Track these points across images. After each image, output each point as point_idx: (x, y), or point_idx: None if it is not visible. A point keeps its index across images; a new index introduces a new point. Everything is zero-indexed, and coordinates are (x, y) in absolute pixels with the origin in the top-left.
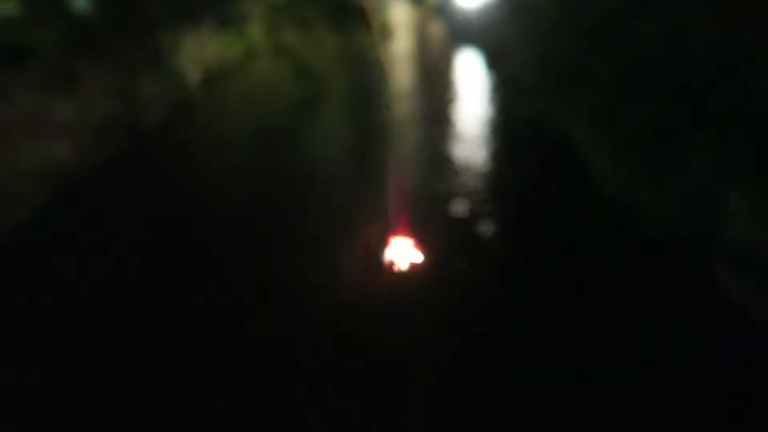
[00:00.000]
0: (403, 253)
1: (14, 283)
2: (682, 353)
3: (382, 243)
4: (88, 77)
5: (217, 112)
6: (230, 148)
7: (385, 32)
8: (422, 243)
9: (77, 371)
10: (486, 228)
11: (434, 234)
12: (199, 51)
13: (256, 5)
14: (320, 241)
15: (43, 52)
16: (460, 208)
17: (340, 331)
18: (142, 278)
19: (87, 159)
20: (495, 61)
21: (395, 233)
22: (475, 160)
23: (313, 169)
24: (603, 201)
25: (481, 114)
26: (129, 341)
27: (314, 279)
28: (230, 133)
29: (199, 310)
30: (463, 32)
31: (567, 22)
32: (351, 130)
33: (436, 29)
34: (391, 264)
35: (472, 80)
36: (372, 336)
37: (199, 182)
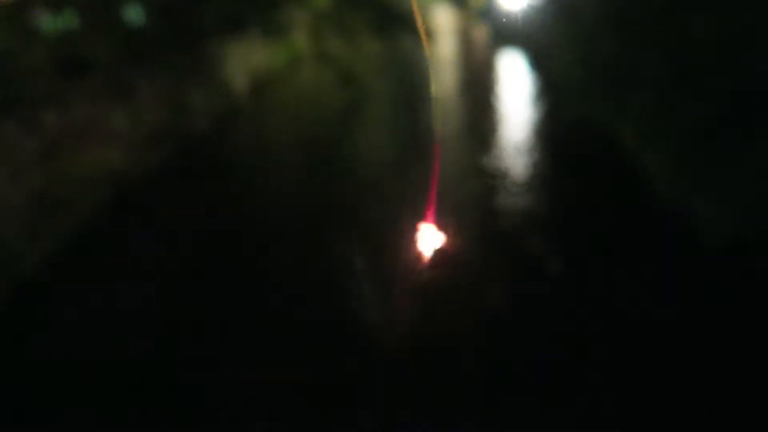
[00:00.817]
0: (433, 241)
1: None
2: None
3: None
4: (140, 87)
5: (263, 119)
6: (276, 154)
7: (429, 36)
8: (466, 242)
9: None
10: (529, 230)
11: (478, 236)
12: (245, 59)
13: (300, 13)
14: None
15: (98, 62)
16: (503, 213)
17: None
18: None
19: (139, 166)
20: (540, 63)
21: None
22: (519, 163)
23: (356, 175)
24: (653, 205)
25: (526, 117)
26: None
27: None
28: (276, 139)
29: None
30: (507, 34)
31: (614, 20)
32: (394, 136)
33: (480, 32)
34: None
35: (515, 83)
36: None
37: (247, 186)
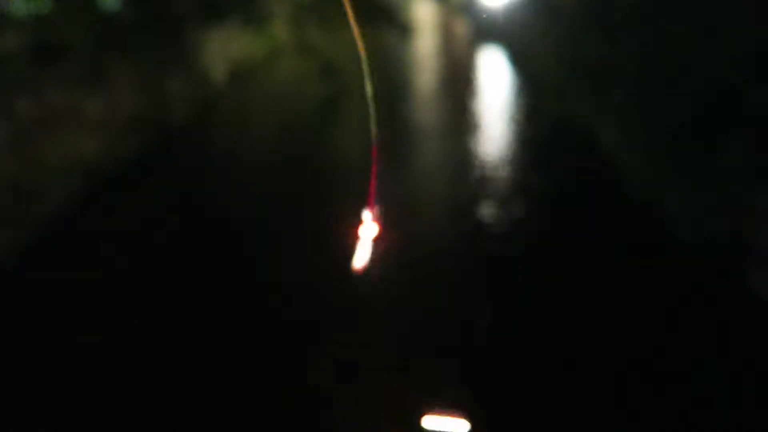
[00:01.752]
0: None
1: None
2: (712, 357)
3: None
4: (116, 74)
5: (241, 108)
6: (254, 143)
7: (410, 30)
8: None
9: None
10: (503, 225)
11: (451, 230)
12: (224, 49)
13: (281, 3)
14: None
15: (73, 49)
16: (480, 207)
17: None
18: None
19: (114, 154)
20: (520, 59)
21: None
22: (497, 159)
23: (331, 163)
24: (629, 201)
25: (505, 113)
26: None
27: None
28: (254, 128)
29: None
30: (487, 30)
31: (593, 19)
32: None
33: (461, 27)
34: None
35: (495, 78)
36: None
37: (222, 175)
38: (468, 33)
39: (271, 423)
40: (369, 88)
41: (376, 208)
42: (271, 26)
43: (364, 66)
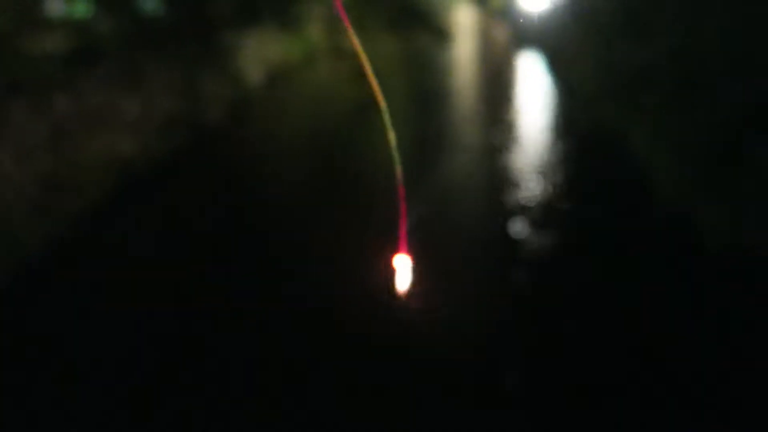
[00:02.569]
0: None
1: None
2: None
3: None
4: (154, 75)
5: (276, 111)
6: (287, 145)
7: (447, 35)
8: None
9: None
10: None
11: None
12: (260, 52)
13: (317, 7)
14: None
15: (111, 51)
16: (513, 219)
17: None
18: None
19: (150, 153)
20: (557, 65)
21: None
22: (533, 166)
23: (362, 168)
24: (662, 212)
25: (541, 120)
26: None
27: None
28: (288, 130)
29: None
30: (525, 35)
31: (629, 23)
32: (406, 133)
33: (499, 32)
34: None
35: (532, 85)
36: None
37: (255, 176)
38: (506, 37)
39: None
40: (391, 137)
41: (409, 244)
42: (306, 30)
43: (384, 113)
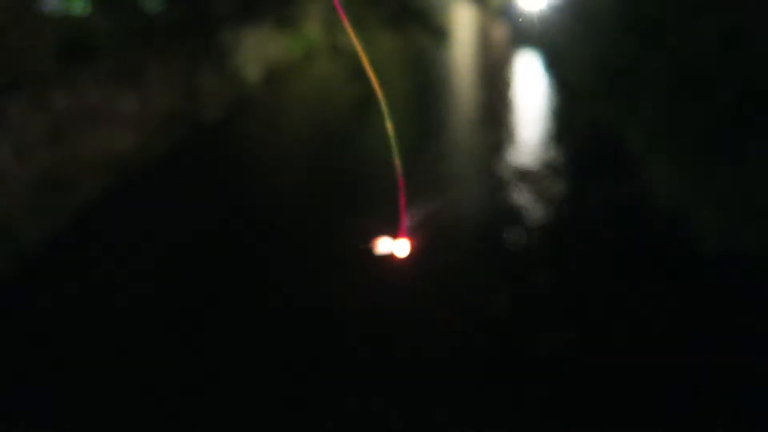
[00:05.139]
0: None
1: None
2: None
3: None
4: (152, 73)
5: (274, 109)
6: (285, 143)
7: (445, 34)
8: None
9: None
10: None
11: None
12: (258, 49)
13: (315, 5)
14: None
15: (110, 47)
16: (509, 214)
17: None
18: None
19: (148, 150)
20: (554, 63)
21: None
22: (528, 162)
23: (359, 165)
24: (655, 211)
25: (537, 116)
26: None
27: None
28: (286, 128)
29: None
30: (524, 34)
31: (626, 23)
32: (403, 130)
33: (498, 31)
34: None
35: (530, 82)
36: None
37: (253, 173)
38: (504, 36)
39: None
40: (389, 125)
41: (411, 221)
42: (305, 28)
43: (382, 102)
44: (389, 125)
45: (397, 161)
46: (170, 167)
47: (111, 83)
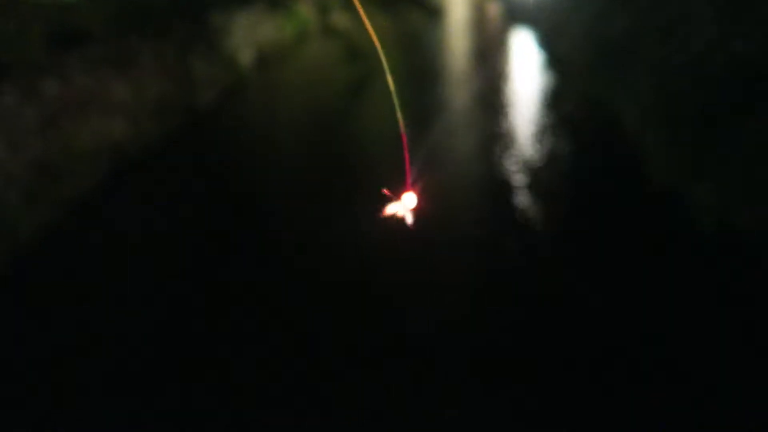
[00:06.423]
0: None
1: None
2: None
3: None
4: (144, 58)
5: (269, 92)
6: (281, 126)
7: (439, 12)
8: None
9: None
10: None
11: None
12: (251, 32)
13: None
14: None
15: (100, 34)
16: (501, 190)
17: None
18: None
19: (141, 137)
20: (548, 41)
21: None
22: (523, 139)
23: (358, 147)
24: (650, 189)
25: (531, 94)
26: None
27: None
28: (281, 112)
29: None
30: (518, 12)
31: (620, 2)
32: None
33: (492, 8)
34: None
35: (523, 60)
36: None
37: (250, 158)
38: (498, 14)
39: None
40: (390, 79)
41: (414, 184)
42: (296, 10)
43: (381, 55)
44: (390, 83)
45: (401, 121)
46: (162, 154)
47: (103, 70)
